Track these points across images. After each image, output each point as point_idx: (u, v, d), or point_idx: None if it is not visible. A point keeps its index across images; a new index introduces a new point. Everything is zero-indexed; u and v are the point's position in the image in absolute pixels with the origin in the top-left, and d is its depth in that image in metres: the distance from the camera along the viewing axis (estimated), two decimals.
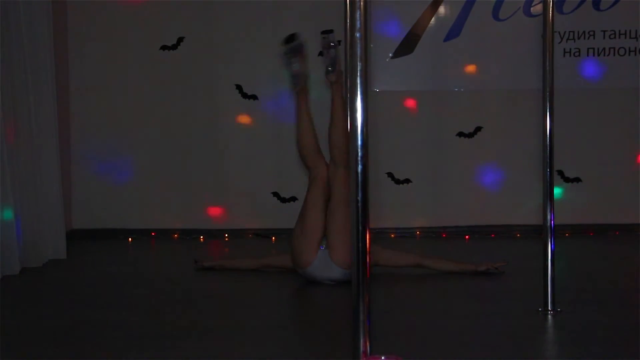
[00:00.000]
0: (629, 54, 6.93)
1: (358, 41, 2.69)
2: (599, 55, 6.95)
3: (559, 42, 6.89)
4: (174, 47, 7.00)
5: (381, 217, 6.79)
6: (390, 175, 7.04)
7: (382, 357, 2.74)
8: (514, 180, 7.01)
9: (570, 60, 6.94)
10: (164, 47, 6.99)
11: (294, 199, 6.95)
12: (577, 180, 7.04)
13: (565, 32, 6.92)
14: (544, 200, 4.22)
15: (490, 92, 7.01)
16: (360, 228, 2.71)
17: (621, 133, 7.00)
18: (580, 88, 6.99)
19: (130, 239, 6.90)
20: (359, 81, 2.70)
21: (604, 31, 6.93)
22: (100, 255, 6.28)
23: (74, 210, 6.97)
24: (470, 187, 7.03)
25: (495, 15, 6.94)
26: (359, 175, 2.70)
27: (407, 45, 6.96)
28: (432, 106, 7.07)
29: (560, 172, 6.98)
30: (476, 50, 6.96)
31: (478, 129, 7.02)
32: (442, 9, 6.95)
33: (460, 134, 7.01)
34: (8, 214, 5.39)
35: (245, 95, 7.02)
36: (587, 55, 6.95)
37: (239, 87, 7.01)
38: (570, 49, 6.94)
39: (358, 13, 2.69)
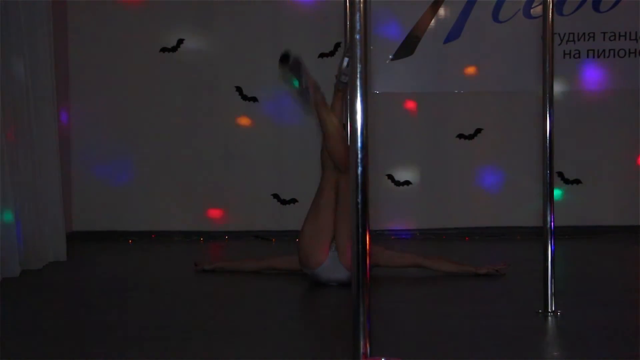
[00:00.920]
0: (629, 56, 6.94)
1: (358, 43, 2.69)
2: (598, 57, 6.95)
3: (559, 44, 6.90)
4: (174, 49, 7.01)
5: (381, 219, 6.80)
6: (390, 177, 7.04)
7: (382, 359, 2.74)
8: (514, 181, 7.01)
9: (570, 62, 6.94)
10: (163, 49, 7.00)
11: (294, 200, 6.96)
12: (577, 182, 7.04)
13: (565, 34, 6.93)
14: (544, 202, 4.22)
15: (490, 94, 7.02)
16: (360, 230, 2.71)
17: (621, 135, 7.00)
18: (580, 90, 7.00)
19: (130, 240, 6.90)
20: (359, 83, 2.70)
21: (604, 33, 6.93)
22: (100, 257, 6.28)
23: (74, 213, 6.97)
24: (470, 188, 7.03)
25: (495, 17, 6.95)
26: (359, 177, 2.71)
27: (407, 47, 6.97)
28: (432, 108, 7.07)
29: (560, 174, 6.98)
30: (476, 52, 6.96)
31: (478, 130, 7.02)
32: (442, 11, 6.96)
33: (461, 136, 7.01)
34: (8, 216, 5.39)
35: (245, 97, 7.02)
36: (587, 57, 6.96)
37: (239, 89, 7.02)
38: (570, 51, 6.95)
39: (358, 15, 2.69)
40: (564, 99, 6.82)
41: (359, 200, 2.70)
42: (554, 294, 4.20)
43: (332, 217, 5.02)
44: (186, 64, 7.00)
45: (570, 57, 6.95)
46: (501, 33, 6.95)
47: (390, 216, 6.96)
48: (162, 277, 5.56)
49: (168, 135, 7.01)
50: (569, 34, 6.94)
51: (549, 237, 4.20)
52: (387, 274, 5.26)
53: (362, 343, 2.71)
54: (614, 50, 6.94)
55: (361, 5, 2.68)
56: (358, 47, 2.69)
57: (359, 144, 2.71)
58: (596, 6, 6.93)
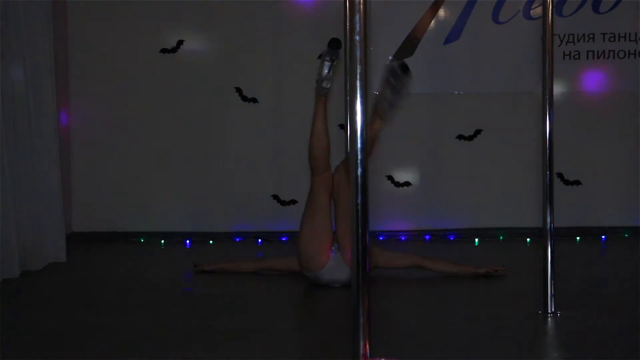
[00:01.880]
0: (629, 57, 6.93)
1: (358, 44, 2.69)
2: (598, 58, 6.95)
3: (559, 45, 6.90)
4: (174, 50, 7.01)
5: (381, 220, 6.80)
6: (390, 178, 7.04)
7: None
8: (513, 182, 7.01)
9: (570, 63, 6.94)
10: (163, 50, 7.00)
11: (293, 202, 6.96)
12: (576, 183, 7.04)
13: (564, 35, 6.93)
14: (544, 203, 4.22)
15: (490, 95, 7.02)
16: (360, 231, 2.71)
17: (621, 136, 7.00)
18: (579, 91, 7.00)
19: (130, 242, 6.90)
20: (358, 84, 2.71)
21: (604, 34, 6.93)
22: (100, 259, 6.28)
23: (74, 214, 6.97)
24: (470, 189, 7.03)
25: (495, 18, 6.95)
26: (359, 178, 2.71)
27: (407, 48, 6.96)
28: (431, 109, 7.07)
29: (560, 175, 6.98)
30: (476, 53, 6.96)
31: (478, 131, 7.02)
32: (441, 12, 6.96)
33: (460, 137, 7.01)
34: (8, 218, 5.39)
35: (245, 98, 7.02)
36: (587, 58, 6.96)
37: (238, 90, 7.02)
38: (570, 52, 6.95)
39: (357, 16, 2.69)
40: (563, 100, 6.82)
41: (359, 201, 2.71)
42: (553, 295, 4.21)
43: (329, 219, 5.04)
44: (186, 65, 7.00)
45: (570, 58, 6.95)
46: (501, 34, 6.95)
47: (390, 217, 6.96)
48: (162, 278, 5.56)
49: (168, 136, 7.01)
50: (569, 35, 6.94)
51: (549, 238, 4.20)
52: (387, 274, 5.26)
53: (362, 344, 2.71)
54: (613, 51, 6.94)
55: (361, 6, 2.69)
56: (358, 48, 2.69)
57: (359, 145, 2.71)
58: (596, 7, 6.93)
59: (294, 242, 5.15)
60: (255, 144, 7.04)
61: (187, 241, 6.86)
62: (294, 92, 6.99)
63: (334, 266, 4.96)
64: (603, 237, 6.87)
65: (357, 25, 2.69)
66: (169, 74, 7.00)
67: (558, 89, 6.65)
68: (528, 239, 6.80)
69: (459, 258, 6.10)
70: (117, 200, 7.03)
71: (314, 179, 5.12)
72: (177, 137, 7.03)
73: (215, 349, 3.77)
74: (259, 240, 6.91)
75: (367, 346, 2.72)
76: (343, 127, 6.88)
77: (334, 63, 5.05)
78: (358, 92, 2.71)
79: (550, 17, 4.23)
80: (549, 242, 4.20)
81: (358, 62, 2.70)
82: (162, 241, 6.89)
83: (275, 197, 7.03)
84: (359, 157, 2.71)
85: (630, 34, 6.92)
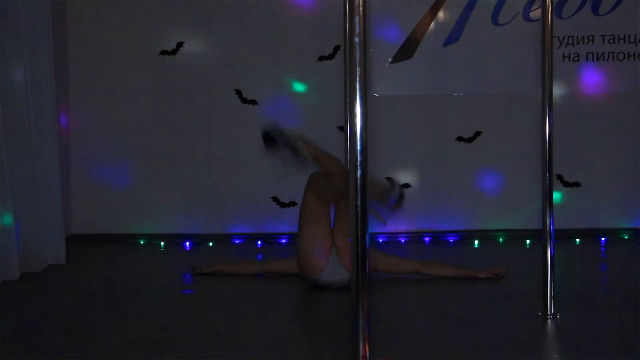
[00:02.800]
0: (628, 59, 6.94)
1: (357, 46, 2.70)
2: (598, 60, 6.95)
3: (558, 47, 6.90)
4: (174, 52, 7.01)
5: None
6: (389, 180, 7.03)
7: None
8: (513, 184, 7.01)
9: (569, 65, 6.95)
10: (163, 52, 7.00)
11: (293, 203, 6.95)
12: (576, 184, 7.04)
13: (564, 37, 6.93)
14: (543, 205, 4.22)
15: (490, 97, 7.02)
16: (359, 233, 2.71)
17: (620, 138, 7.00)
18: (579, 93, 7.00)
19: (129, 244, 6.90)
20: (358, 86, 2.71)
21: (603, 36, 6.93)
22: (99, 261, 6.28)
23: (73, 215, 6.97)
24: (470, 191, 7.03)
25: (495, 19, 6.95)
26: (359, 180, 2.71)
27: (407, 50, 6.97)
28: (431, 111, 7.07)
29: (560, 177, 6.98)
30: (475, 55, 6.96)
31: (477, 133, 7.02)
32: (441, 14, 6.96)
33: (460, 139, 7.01)
34: (8, 219, 5.39)
35: (244, 100, 7.02)
36: (586, 60, 6.96)
37: (238, 92, 7.02)
38: (570, 54, 6.95)
39: (357, 18, 2.69)
40: (563, 102, 6.82)
41: (359, 203, 2.71)
42: (553, 297, 4.21)
43: (327, 223, 5.04)
44: (186, 67, 7.00)
45: (569, 60, 6.96)
46: (500, 36, 6.95)
47: (389, 219, 6.94)
48: (162, 280, 5.56)
49: (167, 138, 7.01)
50: (568, 37, 6.94)
51: (549, 239, 4.20)
52: (387, 276, 5.26)
53: (361, 346, 2.72)
54: (613, 53, 6.94)
55: (360, 8, 2.69)
56: (357, 50, 2.69)
57: (359, 147, 2.71)
58: (595, 9, 6.93)
59: (294, 246, 5.15)
60: (254, 146, 7.03)
61: (187, 243, 6.86)
62: (294, 94, 6.99)
63: (332, 269, 4.97)
64: (603, 239, 6.87)
65: (357, 28, 2.69)
66: (168, 76, 7.00)
67: (557, 90, 6.65)
68: (528, 241, 6.80)
69: (458, 260, 6.10)
70: (117, 203, 7.03)
71: (308, 193, 5.12)
72: (177, 139, 7.03)
73: (215, 351, 3.76)
74: (259, 242, 6.91)
75: (367, 348, 2.72)
76: (342, 129, 6.89)
77: (284, 151, 5.07)
78: (357, 93, 2.71)
79: (549, 19, 4.23)
80: (549, 244, 4.20)
81: (357, 64, 2.70)
82: (162, 243, 6.89)
83: (274, 199, 7.03)
84: (359, 159, 2.71)
85: (629, 35, 6.92)
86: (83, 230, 7.00)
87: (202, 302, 4.82)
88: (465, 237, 6.94)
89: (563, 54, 6.93)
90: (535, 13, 6.91)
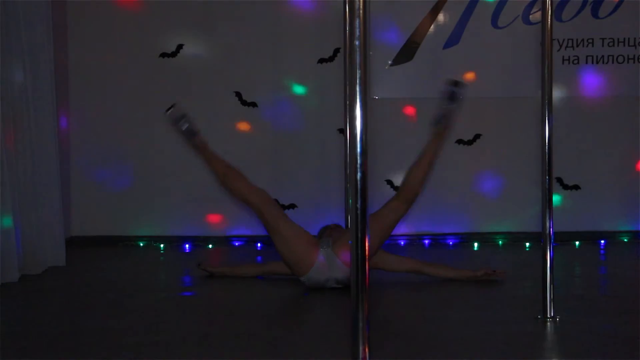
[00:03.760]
0: (628, 62, 6.94)
1: (357, 48, 2.70)
2: (597, 63, 6.96)
3: (558, 50, 6.91)
4: (174, 54, 7.01)
5: None
6: (389, 182, 7.04)
7: None
8: (513, 187, 7.02)
9: (569, 68, 6.95)
10: (163, 55, 7.01)
11: (293, 206, 6.96)
12: (575, 187, 7.04)
13: (564, 40, 6.94)
14: (543, 208, 4.22)
15: (489, 100, 7.02)
16: (359, 235, 2.71)
17: (620, 141, 7.01)
18: (579, 96, 7.00)
19: (129, 246, 6.90)
20: (358, 89, 2.71)
21: (603, 39, 6.94)
22: (99, 263, 6.28)
23: (73, 218, 6.97)
24: (469, 194, 7.03)
25: (494, 22, 6.96)
26: (358, 182, 2.71)
27: (407, 53, 6.98)
28: (431, 113, 7.03)
29: (559, 180, 6.99)
30: (475, 58, 6.97)
31: (477, 136, 7.03)
32: (441, 17, 6.97)
33: (460, 142, 7.02)
34: (7, 222, 5.39)
35: (244, 103, 7.03)
36: (586, 63, 6.97)
37: (238, 95, 7.03)
38: (569, 57, 6.96)
39: (357, 20, 2.70)
40: (562, 105, 6.82)
41: (359, 205, 2.71)
42: (553, 300, 4.21)
43: (293, 224, 5.06)
44: (186, 70, 7.01)
45: (569, 63, 6.96)
46: (500, 39, 6.96)
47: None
48: (161, 282, 5.56)
49: (167, 140, 7.01)
50: (568, 39, 6.94)
51: (548, 242, 4.20)
52: (387, 278, 5.26)
53: (361, 348, 2.72)
54: (612, 56, 6.95)
55: (360, 11, 2.69)
56: (357, 53, 2.70)
57: (359, 150, 2.71)
58: (595, 12, 6.94)
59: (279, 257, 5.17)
60: (254, 148, 7.04)
61: (186, 245, 6.86)
62: (294, 97, 7.00)
63: (326, 263, 4.95)
64: (602, 241, 6.87)
65: (357, 30, 2.69)
66: (168, 78, 7.00)
67: (557, 93, 6.66)
68: (527, 244, 6.80)
69: (457, 262, 6.10)
70: (117, 205, 7.03)
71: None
72: (177, 141, 7.02)
73: (214, 353, 3.76)
74: (258, 244, 6.91)
75: (367, 350, 2.72)
76: (342, 131, 6.90)
77: (455, 103, 5.18)
78: (358, 96, 2.71)
79: (549, 22, 4.23)
80: (548, 247, 4.20)
81: (357, 66, 2.70)
82: (162, 245, 6.90)
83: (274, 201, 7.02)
84: (359, 161, 2.71)
85: (629, 39, 6.93)
86: (83, 233, 7.00)
87: (201, 303, 4.81)
88: (464, 239, 6.94)
89: (563, 57, 6.94)
90: (535, 16, 6.92)
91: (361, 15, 2.69)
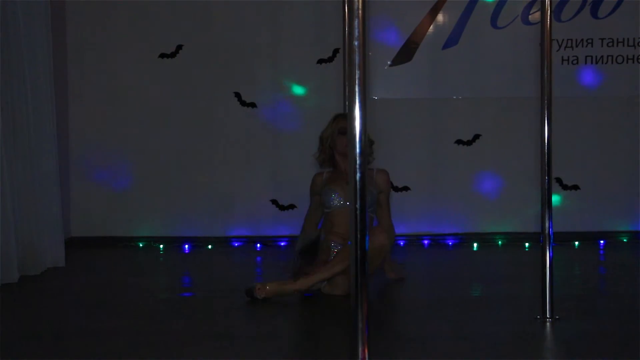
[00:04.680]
0: (627, 62, 6.94)
1: (356, 49, 2.70)
2: (597, 63, 6.96)
3: (557, 50, 6.91)
4: (173, 55, 7.01)
5: None
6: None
7: None
8: (512, 187, 7.01)
9: (568, 68, 6.95)
10: (162, 55, 7.00)
11: (292, 206, 6.96)
12: (575, 187, 7.04)
13: (563, 40, 6.94)
14: (542, 208, 4.22)
15: (489, 100, 7.02)
16: (358, 235, 2.72)
17: (619, 140, 7.00)
18: (578, 96, 7.00)
19: (129, 246, 6.90)
20: (357, 89, 2.71)
21: (602, 39, 6.94)
22: (99, 263, 6.28)
23: (72, 218, 6.97)
24: (469, 194, 7.03)
25: (494, 23, 6.96)
26: (358, 182, 2.71)
27: (406, 53, 6.98)
28: (430, 114, 7.08)
29: (559, 180, 6.99)
30: (474, 58, 6.97)
31: (476, 136, 7.03)
32: (440, 17, 6.97)
33: (459, 142, 7.02)
34: (7, 222, 5.39)
35: (243, 103, 7.03)
36: (585, 63, 6.97)
37: (237, 95, 7.02)
38: (569, 57, 6.96)
39: (356, 21, 2.70)
40: (562, 105, 6.82)
41: (358, 205, 2.71)
42: (552, 300, 4.21)
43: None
44: (185, 70, 7.01)
45: (568, 63, 6.96)
46: (499, 39, 6.96)
47: None
48: (161, 282, 5.56)
49: (166, 140, 7.01)
50: (567, 40, 6.95)
51: (547, 242, 4.20)
52: (386, 281, 5.25)
53: (360, 348, 2.72)
54: (612, 56, 6.95)
55: (360, 11, 2.69)
56: (357, 53, 2.70)
57: (357, 150, 2.72)
58: (594, 12, 6.94)
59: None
60: (253, 149, 7.04)
61: (186, 246, 6.86)
62: (293, 97, 7.00)
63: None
64: (601, 242, 6.87)
65: (356, 31, 2.69)
66: (168, 78, 7.00)
67: (556, 93, 6.64)
68: (527, 244, 6.80)
69: (457, 262, 6.12)
70: (116, 205, 7.03)
71: None
72: (176, 142, 7.03)
73: (214, 353, 3.77)
74: (258, 244, 6.91)
75: (366, 350, 2.72)
76: None
77: None
78: (357, 96, 2.71)
79: (548, 22, 4.23)
80: (548, 247, 4.20)
81: (357, 67, 2.70)
82: (161, 246, 6.90)
83: (274, 201, 7.03)
84: (358, 161, 2.71)
85: (628, 39, 6.93)
86: (82, 233, 7.00)
87: (201, 304, 4.81)
88: (464, 240, 6.94)
89: (562, 57, 6.94)
90: (534, 16, 6.92)
91: (360, 15, 2.69)
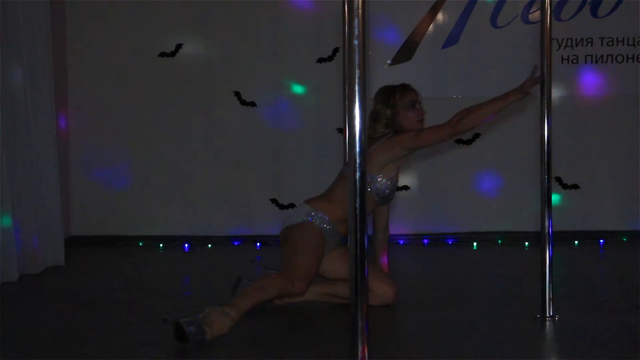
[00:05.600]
0: (627, 61, 6.94)
1: (356, 48, 2.70)
2: (597, 62, 6.96)
3: (557, 49, 6.90)
4: (172, 54, 7.01)
5: None
6: None
7: None
8: (512, 187, 7.01)
9: (568, 67, 6.95)
10: (162, 54, 7.00)
11: (292, 205, 6.96)
12: (574, 187, 7.04)
13: (563, 39, 6.93)
14: (542, 207, 4.22)
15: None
16: (358, 235, 2.71)
17: (619, 140, 7.00)
18: (578, 95, 7.00)
19: (129, 245, 6.90)
20: (357, 88, 2.71)
21: (602, 38, 6.94)
22: (99, 262, 6.28)
23: (72, 217, 6.97)
24: (468, 193, 7.03)
25: (494, 22, 6.96)
26: (357, 182, 2.71)
27: (406, 52, 6.98)
28: (430, 113, 7.04)
29: (558, 179, 6.98)
30: (474, 57, 6.97)
31: (476, 136, 7.02)
32: (440, 16, 6.97)
33: (459, 141, 7.01)
34: (7, 221, 5.39)
35: (243, 102, 7.02)
36: (585, 62, 6.97)
37: (237, 94, 7.02)
38: (568, 56, 6.95)
39: (356, 20, 2.70)
40: (562, 104, 6.82)
41: (357, 205, 2.71)
42: (552, 299, 4.21)
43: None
44: (185, 69, 7.01)
45: (568, 63, 6.96)
46: (499, 38, 6.96)
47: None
48: (161, 281, 5.56)
49: (166, 140, 7.01)
50: (567, 39, 6.94)
51: (547, 242, 4.20)
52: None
53: (360, 348, 2.72)
54: (612, 55, 6.95)
55: (359, 10, 2.69)
56: (356, 52, 2.70)
57: (358, 149, 2.71)
58: (594, 12, 6.94)
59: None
60: (253, 148, 7.04)
61: (186, 245, 6.86)
62: (293, 96, 7.00)
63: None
64: (601, 241, 6.87)
65: (356, 30, 2.69)
66: (167, 77, 7.00)
67: (556, 93, 6.65)
68: (526, 243, 6.80)
69: (457, 262, 6.12)
70: (116, 204, 7.03)
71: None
72: (176, 141, 7.03)
73: (213, 353, 3.76)
74: (258, 244, 6.91)
75: (366, 350, 2.72)
76: (341, 131, 6.89)
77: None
78: (357, 95, 2.71)
79: (548, 21, 4.24)
80: (548, 246, 4.21)
81: (357, 66, 2.70)
82: (161, 245, 6.90)
83: (273, 200, 7.03)
84: (357, 160, 2.71)
85: (628, 38, 6.93)
86: (82, 232, 7.00)
87: (200, 303, 4.81)
88: (463, 239, 6.94)
89: (562, 56, 6.94)
90: (534, 15, 6.92)
91: (360, 14, 2.69)
